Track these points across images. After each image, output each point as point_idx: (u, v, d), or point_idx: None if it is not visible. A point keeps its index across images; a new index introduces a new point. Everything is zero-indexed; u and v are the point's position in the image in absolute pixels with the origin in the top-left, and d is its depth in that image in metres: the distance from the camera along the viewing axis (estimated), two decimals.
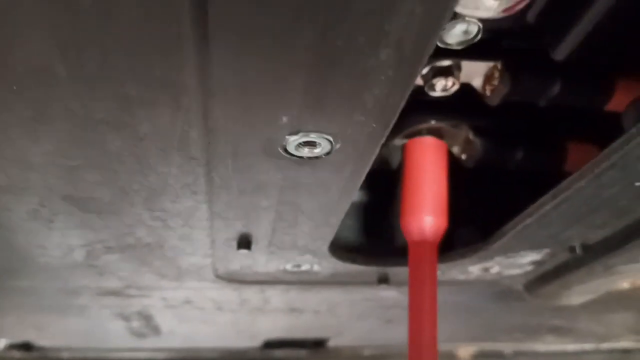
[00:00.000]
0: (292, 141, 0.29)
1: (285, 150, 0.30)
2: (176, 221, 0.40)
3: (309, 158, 0.31)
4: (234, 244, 0.45)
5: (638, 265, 0.46)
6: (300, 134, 0.28)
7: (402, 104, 0.26)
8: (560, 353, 1.18)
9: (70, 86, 0.24)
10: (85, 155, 0.30)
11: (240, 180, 0.34)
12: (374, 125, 0.28)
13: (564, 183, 0.38)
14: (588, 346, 1.15)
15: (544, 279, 0.56)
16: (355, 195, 0.38)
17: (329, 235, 0.44)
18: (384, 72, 0.24)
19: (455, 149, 0.53)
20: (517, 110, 0.48)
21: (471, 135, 0.50)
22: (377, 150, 0.31)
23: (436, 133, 0.50)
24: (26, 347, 0.98)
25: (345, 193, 0.37)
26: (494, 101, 0.44)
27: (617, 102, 0.44)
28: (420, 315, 0.44)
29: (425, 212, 0.45)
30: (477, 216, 0.54)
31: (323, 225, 0.42)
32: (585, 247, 0.48)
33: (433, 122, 0.48)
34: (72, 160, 0.31)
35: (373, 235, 0.58)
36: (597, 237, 0.47)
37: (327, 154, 0.31)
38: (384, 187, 0.60)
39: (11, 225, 0.40)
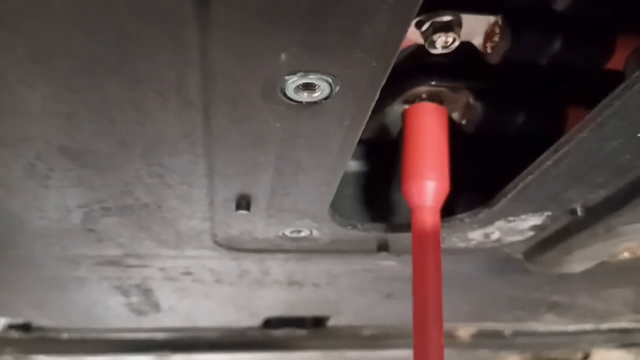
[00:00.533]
0: (291, 83, 0.29)
1: (284, 94, 0.30)
2: (174, 178, 0.39)
3: (308, 103, 0.31)
4: (233, 205, 0.44)
5: (639, 225, 0.46)
6: (299, 74, 0.28)
7: (402, 40, 0.26)
8: (560, 333, 1.18)
9: (67, 20, 0.24)
10: (82, 100, 0.30)
11: (239, 130, 0.33)
12: (374, 64, 0.27)
13: (565, 136, 0.38)
14: (588, 326, 1.15)
15: (544, 245, 0.55)
16: (353, 151, 0.38)
17: (328, 195, 0.44)
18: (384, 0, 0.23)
19: (455, 115, 0.53)
20: (518, 72, 0.48)
21: (471, 100, 0.50)
22: (377, 95, 0.31)
23: (436, 98, 0.49)
24: (25, 327, 0.98)
25: (344, 146, 0.36)
26: (495, 59, 0.43)
27: (618, 60, 0.43)
28: (425, 281, 0.44)
29: (427, 177, 0.45)
30: (477, 183, 0.54)
31: (323, 184, 0.42)
32: (587, 209, 0.48)
33: (433, 84, 0.47)
34: (69, 106, 0.30)
35: (372, 206, 0.58)
36: (598, 198, 0.46)
37: (327, 98, 0.30)
38: (383, 158, 0.60)
39: (8, 184, 0.40)
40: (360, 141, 0.58)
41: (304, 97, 0.30)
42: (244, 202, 0.44)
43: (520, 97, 0.50)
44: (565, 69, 0.46)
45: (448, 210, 0.53)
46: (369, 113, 0.33)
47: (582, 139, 0.37)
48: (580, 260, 0.54)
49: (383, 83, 0.29)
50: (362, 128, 0.34)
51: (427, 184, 0.45)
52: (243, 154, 0.36)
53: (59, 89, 0.29)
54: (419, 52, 0.46)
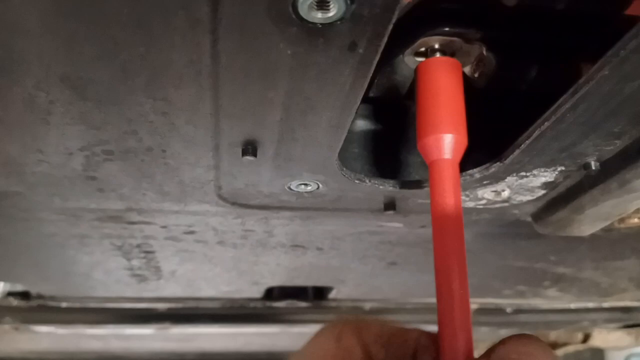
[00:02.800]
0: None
1: (296, 13, 0.28)
2: (179, 116, 0.38)
3: (322, 25, 0.29)
4: (239, 151, 0.43)
5: None
6: None
7: None
8: (562, 310, 1.18)
9: None
10: (82, 17, 0.28)
11: (247, 57, 0.32)
12: None
13: (585, 76, 0.37)
14: (590, 304, 1.15)
15: (554, 204, 0.54)
16: (365, 87, 0.36)
17: (337, 141, 0.43)
18: None
19: (467, 69, 0.52)
20: (533, 20, 0.46)
21: (484, 51, 0.48)
22: (394, 18, 0.29)
23: (448, 49, 0.48)
24: (25, 295, 0.97)
25: (356, 81, 0.35)
26: (511, 1, 0.42)
27: (637, 6, 0.42)
28: (446, 243, 0.41)
29: (445, 129, 0.43)
30: (487, 141, 0.53)
31: (332, 127, 0.40)
32: (601, 163, 0.47)
33: (446, 29, 0.46)
34: (69, 24, 0.29)
35: (379, 166, 0.57)
36: (614, 150, 0.45)
37: (342, 19, 0.29)
38: (391, 118, 0.59)
39: (6, 120, 0.38)
40: (368, 100, 0.57)
41: (318, 16, 0.29)
42: (250, 148, 0.43)
43: (534, 50, 0.49)
44: (582, 15, 0.44)
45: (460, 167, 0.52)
46: (384, 40, 0.31)
47: (603, 78, 0.35)
48: (591, 219, 0.53)
49: (400, 1, 0.28)
50: (376, 59, 0.33)
51: (445, 136, 0.43)
52: (250, 88, 0.35)
53: (58, 3, 0.27)
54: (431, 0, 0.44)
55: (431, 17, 0.46)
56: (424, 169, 0.56)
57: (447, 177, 0.40)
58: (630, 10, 0.43)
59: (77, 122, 0.38)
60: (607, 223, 0.55)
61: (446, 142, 0.41)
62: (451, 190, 0.39)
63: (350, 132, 0.56)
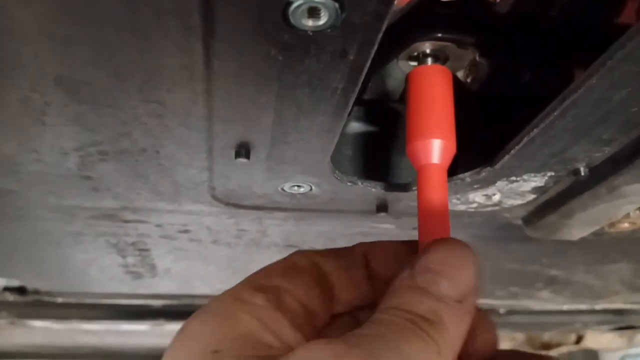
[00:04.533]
0: (295, 7, 0.28)
1: (287, 20, 0.29)
2: (173, 118, 0.39)
3: (313, 32, 0.30)
4: (232, 153, 0.44)
5: None
6: None
7: None
8: (555, 312, 1.18)
9: None
10: (77, 20, 0.29)
11: (239, 63, 0.32)
12: None
13: (574, 84, 0.37)
14: (582, 306, 1.16)
15: (544, 208, 0.55)
16: (357, 93, 0.37)
17: (329, 144, 0.43)
18: None
19: (460, 73, 0.52)
20: (527, 27, 0.47)
21: (477, 56, 0.49)
22: (385, 24, 0.30)
23: (441, 54, 0.48)
24: (21, 290, 0.98)
25: (348, 86, 0.35)
26: (504, 8, 0.42)
27: (630, 13, 0.43)
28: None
29: (434, 135, 0.44)
30: (480, 145, 0.53)
31: (324, 131, 0.41)
32: (590, 169, 0.47)
33: (439, 36, 0.46)
34: (64, 27, 0.29)
35: (372, 168, 0.58)
36: (603, 156, 0.46)
37: (332, 26, 0.29)
38: (385, 121, 0.59)
39: (2, 120, 0.39)
40: (362, 102, 0.58)
41: (309, 24, 0.29)
42: (243, 150, 0.43)
43: (527, 55, 0.49)
44: (575, 22, 0.45)
45: (449, 172, 0.53)
46: (375, 47, 0.32)
47: (591, 86, 0.36)
48: (580, 224, 0.54)
49: (392, 10, 0.29)
50: (367, 66, 0.34)
51: (434, 142, 0.43)
52: (243, 92, 0.36)
53: (54, 5, 0.28)
54: (424, 5, 0.45)
55: (424, 23, 0.46)
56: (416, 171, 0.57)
57: (434, 182, 0.40)
58: (623, 19, 0.43)
59: (72, 124, 0.39)
60: (597, 228, 0.55)
61: (434, 147, 0.42)
62: (439, 195, 0.39)
63: (344, 134, 0.57)
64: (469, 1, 0.44)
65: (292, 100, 0.37)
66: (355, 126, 0.58)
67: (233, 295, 0.34)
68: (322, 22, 0.29)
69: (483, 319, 0.36)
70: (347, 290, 0.38)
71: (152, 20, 0.29)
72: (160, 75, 0.33)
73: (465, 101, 0.53)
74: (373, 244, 0.40)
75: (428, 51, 0.48)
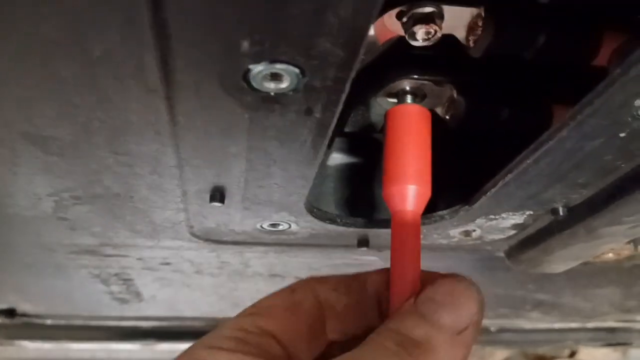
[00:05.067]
0: (256, 73, 0.28)
1: (249, 84, 0.29)
2: (143, 167, 0.38)
3: (276, 94, 0.30)
4: (207, 196, 0.43)
5: (620, 227, 0.45)
6: (264, 64, 0.27)
7: (369, 27, 0.25)
8: (546, 330, 1.18)
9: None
10: (37, 83, 0.29)
11: (205, 120, 0.32)
12: (342, 54, 0.26)
13: (545, 135, 0.37)
14: (574, 324, 1.15)
15: (525, 244, 0.55)
16: (326, 145, 0.37)
17: (304, 189, 0.43)
18: None
19: (439, 110, 0.52)
20: (502, 66, 0.47)
21: (455, 94, 0.49)
22: (347, 87, 0.30)
23: (419, 92, 0.48)
24: (10, 312, 0.97)
25: (317, 140, 0.35)
26: (477, 53, 0.42)
27: (604, 57, 0.42)
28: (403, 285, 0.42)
29: (409, 181, 0.42)
30: (460, 182, 0.53)
31: (297, 177, 0.41)
32: (569, 209, 0.47)
33: (415, 77, 0.46)
34: (26, 90, 0.29)
35: (354, 200, 0.57)
36: (580, 198, 0.45)
37: (294, 89, 0.29)
38: (367, 153, 0.59)
39: None
40: (344, 134, 0.58)
41: (271, 87, 0.29)
42: (217, 194, 0.43)
43: (504, 93, 0.49)
44: (550, 64, 0.45)
45: (430, 207, 0.52)
46: (340, 106, 0.32)
47: (563, 138, 0.36)
48: (561, 260, 0.54)
49: (353, 74, 0.28)
50: (334, 121, 0.33)
51: (409, 188, 0.42)
52: (212, 144, 0.35)
53: (13, 70, 0.28)
54: (402, 45, 0.45)
55: (401, 63, 0.46)
56: None
57: (407, 230, 0.40)
58: (598, 62, 0.43)
59: (43, 173, 0.39)
60: (578, 263, 0.55)
61: (409, 193, 0.41)
62: (410, 245, 0.39)
63: (325, 166, 0.57)
64: (443, 43, 0.44)
65: (263, 151, 0.37)
66: (338, 158, 0.58)
67: (208, 345, 0.33)
68: (284, 85, 0.29)
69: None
70: (352, 322, 0.37)
71: (113, 83, 0.29)
72: (127, 130, 0.33)
73: (445, 138, 0.53)
74: (383, 273, 0.39)
75: (406, 89, 0.48)
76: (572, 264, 0.55)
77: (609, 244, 0.48)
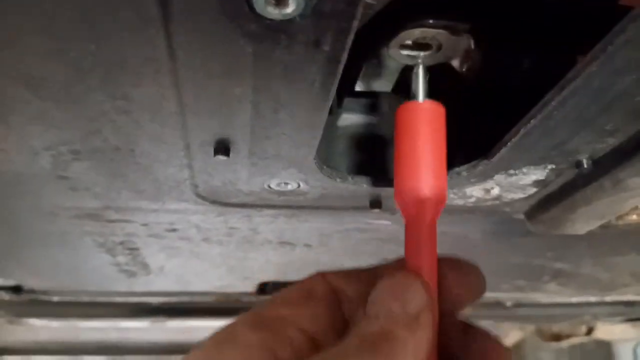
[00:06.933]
0: None
1: (252, 9, 0.26)
2: (143, 115, 0.36)
3: (282, 21, 0.27)
4: (211, 150, 0.41)
5: None
6: None
7: None
8: (563, 304, 1.16)
9: None
10: (27, 10, 0.26)
11: (206, 55, 0.30)
12: None
13: (572, 71, 0.34)
14: (592, 298, 1.13)
15: (547, 202, 0.52)
16: (336, 86, 0.34)
17: (313, 140, 0.41)
18: None
19: (455, 62, 0.49)
20: (524, 10, 0.44)
21: (472, 44, 0.46)
22: (358, 14, 0.27)
23: (434, 43, 0.45)
24: (17, 289, 0.96)
25: (326, 79, 0.33)
26: None
27: None
28: None
29: (423, 191, 0.39)
30: (478, 138, 0.51)
31: (306, 126, 0.38)
32: (593, 161, 0.44)
33: (431, 22, 0.44)
34: (14, 17, 0.27)
35: (366, 163, 0.55)
36: (607, 148, 0.43)
37: (302, 15, 0.27)
38: (377, 113, 0.57)
39: None
40: (355, 94, 0.55)
41: (275, 13, 0.27)
42: (222, 147, 0.41)
43: (525, 42, 0.46)
44: (575, 9, 0.42)
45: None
46: (351, 36, 0.29)
47: (591, 73, 0.33)
48: (585, 219, 0.51)
49: None
50: (344, 56, 0.31)
51: (422, 197, 0.39)
52: (215, 84, 0.33)
53: None
54: None
55: (414, 8, 0.43)
56: None
57: (423, 239, 0.37)
58: (625, 1, 0.40)
59: (37, 122, 0.37)
60: (602, 222, 0.52)
61: (424, 204, 0.38)
62: (427, 253, 0.37)
63: (335, 127, 0.54)
64: None
65: (269, 93, 0.34)
66: (347, 119, 0.56)
67: (228, 333, 0.34)
68: (289, 10, 0.26)
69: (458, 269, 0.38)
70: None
71: (105, 10, 0.26)
72: (123, 68, 0.31)
73: (461, 91, 0.50)
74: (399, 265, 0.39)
75: (420, 39, 0.45)
76: (596, 223, 0.52)
77: (636, 197, 0.45)
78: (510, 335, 1.72)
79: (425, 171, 0.39)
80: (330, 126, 0.55)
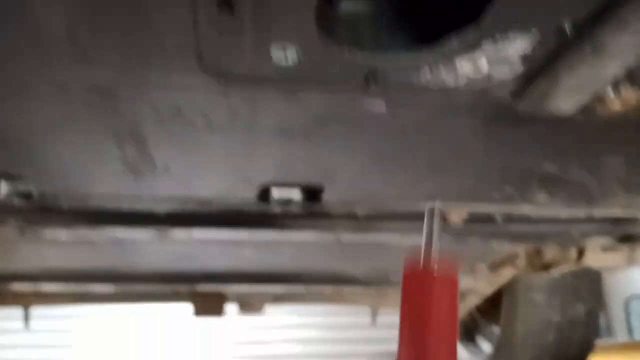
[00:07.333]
0: None
1: None
2: None
3: None
4: (215, 9, 0.44)
5: (626, 38, 0.45)
6: None
7: None
8: (552, 220, 1.20)
9: None
10: None
11: None
12: None
13: None
14: (580, 212, 1.17)
15: (532, 78, 0.55)
16: None
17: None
18: None
19: None
20: None
21: None
22: None
23: None
24: (27, 195, 1.00)
25: None
26: None
27: None
28: None
29: None
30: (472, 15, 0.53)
31: None
32: (575, 27, 0.47)
33: None
34: None
35: (362, 42, 0.57)
36: (586, 11, 0.45)
37: None
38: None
39: None
40: None
41: None
42: (225, 7, 0.44)
43: None
44: None
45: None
46: None
47: None
48: (567, 92, 0.54)
49: None
50: None
51: None
52: None
53: None
54: None
55: None
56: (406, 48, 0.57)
57: None
58: None
59: None
60: (584, 97, 0.56)
61: None
62: None
63: (337, 15, 0.57)
64: None
65: None
66: (349, 5, 0.58)
67: None
68: None
69: None
70: None
71: None
72: None
73: None
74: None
75: None
76: (579, 97, 0.55)
77: (614, 61, 0.48)
78: (503, 274, 1.78)
79: (434, 347, 0.38)
80: (331, 13, 0.57)
